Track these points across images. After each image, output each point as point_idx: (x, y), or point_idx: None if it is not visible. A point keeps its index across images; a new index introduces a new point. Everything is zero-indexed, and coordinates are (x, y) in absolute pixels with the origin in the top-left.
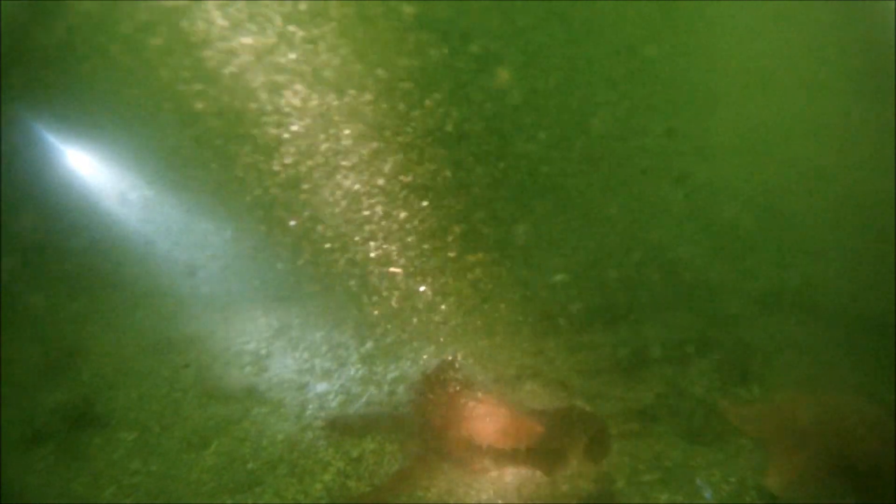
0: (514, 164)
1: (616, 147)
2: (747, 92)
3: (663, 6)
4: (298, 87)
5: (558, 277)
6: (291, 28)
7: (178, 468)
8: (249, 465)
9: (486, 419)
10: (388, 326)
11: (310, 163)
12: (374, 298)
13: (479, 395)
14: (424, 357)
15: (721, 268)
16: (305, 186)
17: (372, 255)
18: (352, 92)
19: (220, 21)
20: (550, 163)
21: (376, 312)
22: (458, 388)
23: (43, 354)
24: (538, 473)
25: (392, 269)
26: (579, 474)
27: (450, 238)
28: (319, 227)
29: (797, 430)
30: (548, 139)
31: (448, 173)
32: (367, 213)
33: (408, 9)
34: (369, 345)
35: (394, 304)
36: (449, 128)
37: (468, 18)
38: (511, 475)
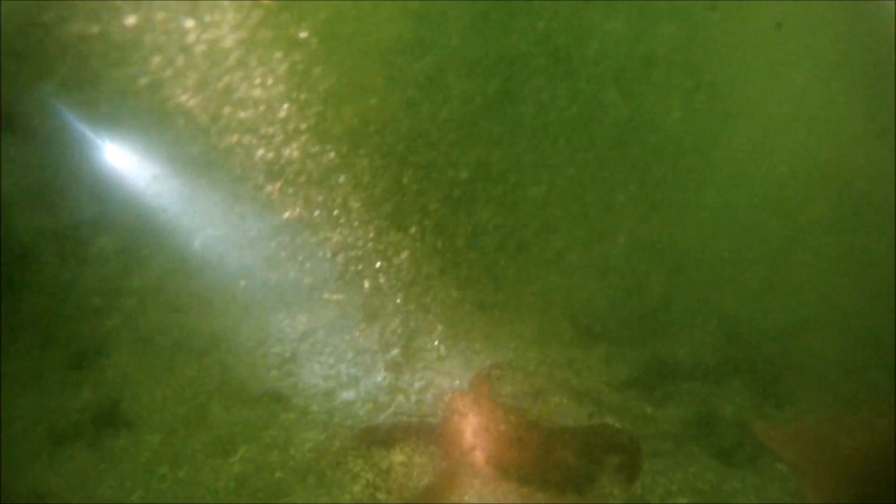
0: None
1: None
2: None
3: None
4: None
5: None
6: None
7: (204, 474)
8: (277, 475)
9: (516, 435)
10: (416, 335)
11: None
12: (401, 306)
13: (510, 407)
14: (453, 366)
15: (753, 284)
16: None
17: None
18: None
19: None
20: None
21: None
22: (487, 399)
23: (66, 353)
24: (569, 492)
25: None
26: (611, 494)
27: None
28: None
29: (837, 456)
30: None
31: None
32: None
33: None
34: (395, 351)
35: (429, 314)
36: None
37: None
38: (542, 494)
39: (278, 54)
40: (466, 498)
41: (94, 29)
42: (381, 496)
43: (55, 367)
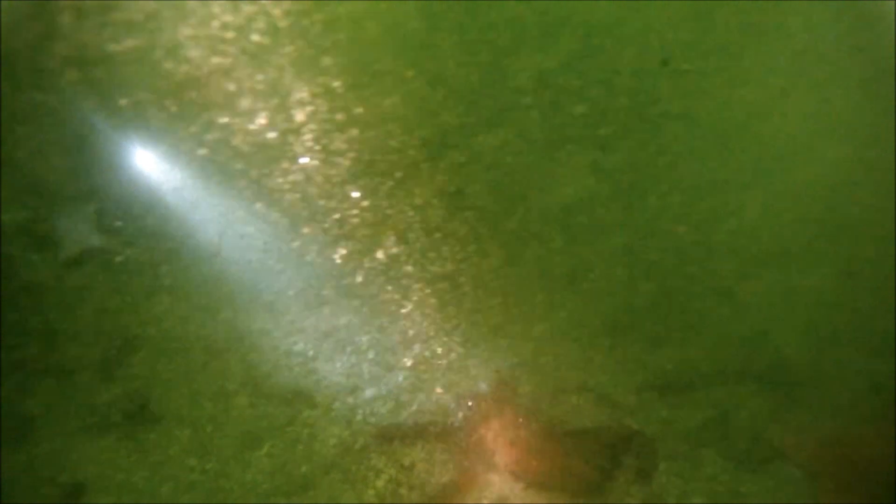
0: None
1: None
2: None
3: None
4: None
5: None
6: None
7: (232, 468)
8: (303, 469)
9: (535, 435)
10: (435, 334)
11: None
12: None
13: (528, 408)
14: (473, 366)
15: (770, 289)
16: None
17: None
18: None
19: None
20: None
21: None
22: (506, 400)
23: (98, 348)
24: (588, 492)
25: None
26: (627, 493)
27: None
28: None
29: (853, 464)
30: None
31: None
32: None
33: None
34: (417, 350)
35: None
36: None
37: None
38: (561, 494)
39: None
40: (486, 496)
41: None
42: (403, 492)
43: (87, 364)
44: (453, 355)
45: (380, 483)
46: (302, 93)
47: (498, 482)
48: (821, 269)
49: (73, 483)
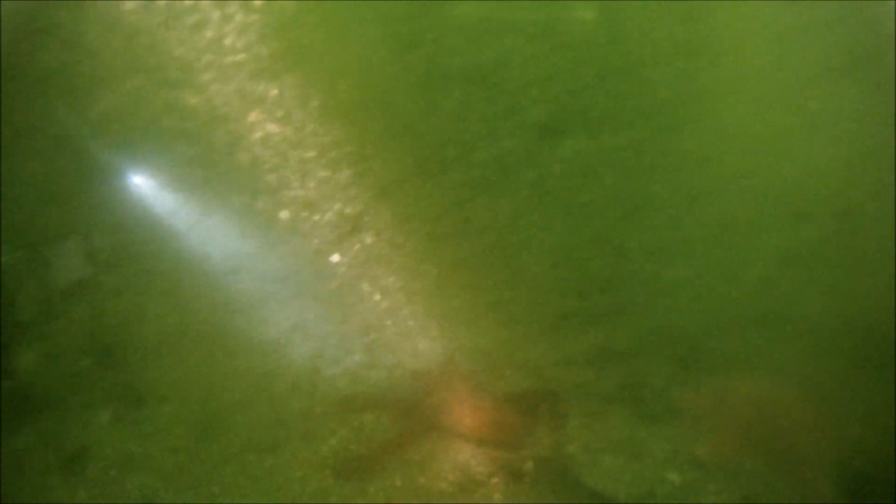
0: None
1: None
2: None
3: None
4: None
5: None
6: None
7: (212, 431)
8: (272, 432)
9: (471, 401)
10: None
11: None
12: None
13: (468, 380)
14: (424, 347)
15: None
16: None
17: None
18: None
19: None
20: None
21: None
22: (450, 375)
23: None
24: (511, 443)
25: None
26: (542, 443)
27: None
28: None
29: (730, 411)
30: None
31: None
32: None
33: None
34: (373, 336)
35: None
36: None
37: None
38: (484, 445)
39: None
40: (424, 447)
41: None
42: (353, 447)
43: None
44: (406, 340)
45: (333, 441)
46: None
47: (435, 437)
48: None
49: (80, 446)
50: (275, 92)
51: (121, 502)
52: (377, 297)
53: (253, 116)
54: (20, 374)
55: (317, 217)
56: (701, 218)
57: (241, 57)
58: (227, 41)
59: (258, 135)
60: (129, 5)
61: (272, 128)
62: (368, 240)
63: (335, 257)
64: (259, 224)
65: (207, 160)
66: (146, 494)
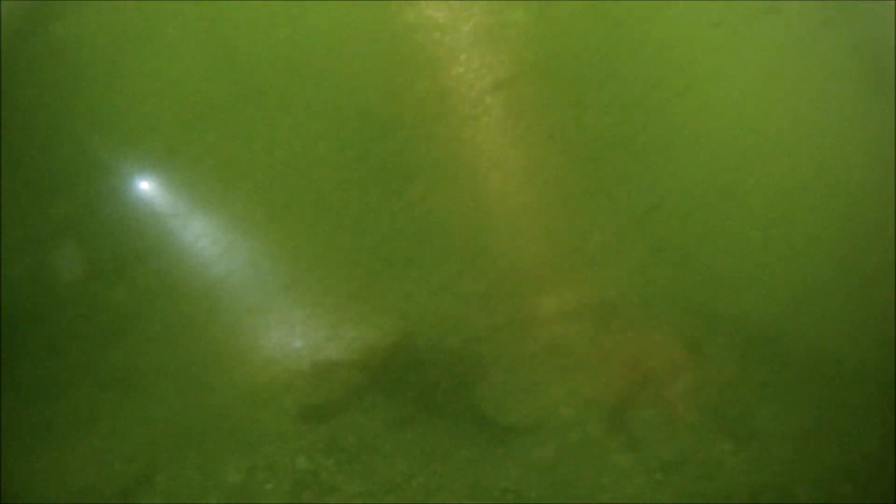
0: None
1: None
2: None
3: None
4: None
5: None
6: None
7: (192, 395)
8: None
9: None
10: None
11: None
12: None
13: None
14: (377, 321)
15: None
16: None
17: None
18: None
19: None
20: None
21: None
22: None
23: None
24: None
25: None
26: (455, 398)
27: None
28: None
29: (604, 353)
30: None
31: None
32: None
33: None
34: (333, 317)
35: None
36: None
37: None
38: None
39: None
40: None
41: None
42: (310, 399)
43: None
44: (361, 316)
45: (292, 395)
46: None
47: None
48: None
49: (88, 409)
50: None
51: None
52: None
53: None
54: None
55: None
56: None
57: None
58: None
59: None
60: None
61: None
62: None
63: None
64: None
65: None
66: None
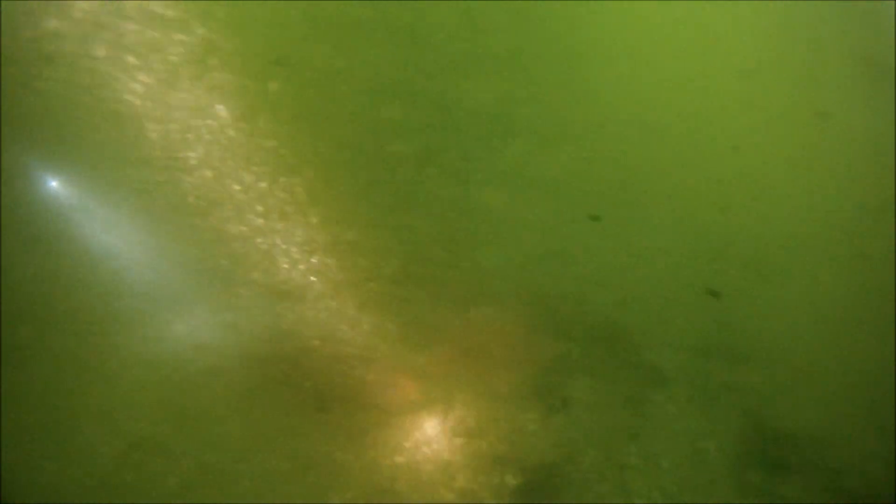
0: None
1: None
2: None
3: None
4: None
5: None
6: None
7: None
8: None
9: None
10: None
11: None
12: None
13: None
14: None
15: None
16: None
17: None
18: None
19: None
20: None
21: None
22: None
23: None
24: None
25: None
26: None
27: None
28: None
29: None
30: None
31: None
32: None
33: None
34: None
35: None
36: None
37: None
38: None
39: None
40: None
41: None
42: (294, 379)
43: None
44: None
45: (271, 370)
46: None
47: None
48: None
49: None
50: None
51: None
52: None
53: None
54: None
55: None
56: None
57: None
58: None
59: None
60: None
61: None
62: None
63: None
64: None
65: None
66: None
